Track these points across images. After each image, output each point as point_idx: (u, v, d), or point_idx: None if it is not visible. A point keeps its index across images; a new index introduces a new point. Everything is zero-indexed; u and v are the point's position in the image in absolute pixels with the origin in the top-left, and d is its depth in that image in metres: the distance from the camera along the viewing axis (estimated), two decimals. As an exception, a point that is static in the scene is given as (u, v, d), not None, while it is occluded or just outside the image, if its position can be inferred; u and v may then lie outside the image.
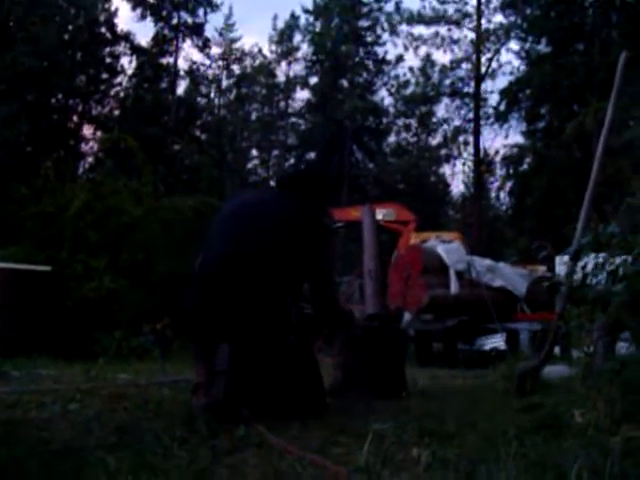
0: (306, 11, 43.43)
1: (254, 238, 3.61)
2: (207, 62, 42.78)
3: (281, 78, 45.73)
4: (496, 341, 11.48)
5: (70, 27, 35.13)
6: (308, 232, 3.71)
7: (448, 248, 10.75)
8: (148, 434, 2.87)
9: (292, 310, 3.59)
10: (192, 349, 3.88)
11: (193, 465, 2.36)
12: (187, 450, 2.60)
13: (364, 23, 42.81)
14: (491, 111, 38.38)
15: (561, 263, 8.82)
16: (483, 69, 38.73)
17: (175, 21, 39.31)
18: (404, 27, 40.99)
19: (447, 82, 40.72)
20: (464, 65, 39.91)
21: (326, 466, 2.31)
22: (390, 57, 43.53)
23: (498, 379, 4.53)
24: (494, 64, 38.81)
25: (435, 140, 43.96)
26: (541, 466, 2.14)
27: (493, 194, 43.86)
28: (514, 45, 44.00)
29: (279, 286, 3.58)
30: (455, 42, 39.52)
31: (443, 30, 39.49)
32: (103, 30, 37.37)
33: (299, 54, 45.04)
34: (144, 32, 38.87)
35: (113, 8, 37.73)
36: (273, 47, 45.58)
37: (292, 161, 43.29)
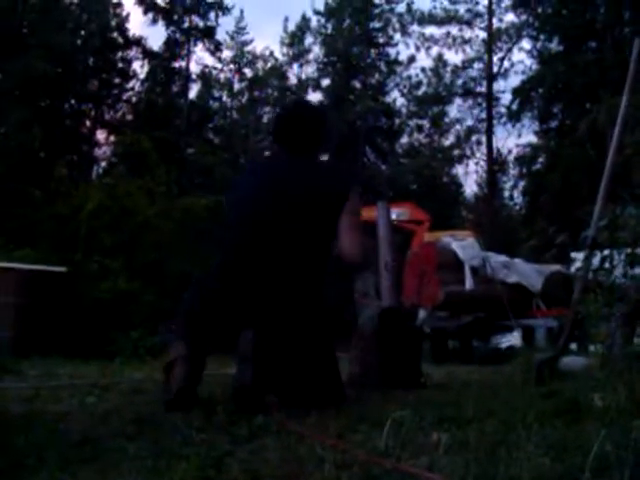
0: (317, 13, 43.45)
1: (291, 219, 3.48)
2: (219, 65, 42.88)
3: (293, 80, 45.77)
4: (512, 339, 11.43)
5: (82, 32, 35.31)
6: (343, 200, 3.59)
7: (463, 244, 10.71)
8: (167, 424, 2.87)
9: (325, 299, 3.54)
10: (176, 325, 3.71)
11: (212, 451, 2.36)
12: (206, 437, 2.60)
13: (376, 24, 42.81)
14: (504, 110, 38.39)
15: (577, 259, 8.79)
16: (495, 68, 38.80)
17: (186, 25, 39.43)
18: (415, 28, 41.15)
19: (459, 82, 40.85)
20: (476, 65, 40.04)
21: (346, 450, 2.31)
22: (402, 58, 43.53)
23: (515, 371, 4.51)
24: (506, 63, 38.90)
25: (448, 140, 43.89)
26: (562, 447, 2.12)
27: (506, 194, 43.80)
28: (526, 44, 43.83)
29: (318, 270, 3.50)
30: (467, 42, 39.64)
31: (454, 30, 39.67)
32: (115, 35, 37.52)
33: (311, 56, 45.03)
34: (156, 36, 39.13)
35: (125, 13, 37.88)
36: (284, 50, 45.61)
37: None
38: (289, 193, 3.55)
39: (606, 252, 3.64)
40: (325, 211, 3.52)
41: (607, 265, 3.56)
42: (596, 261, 3.81)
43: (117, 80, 38.31)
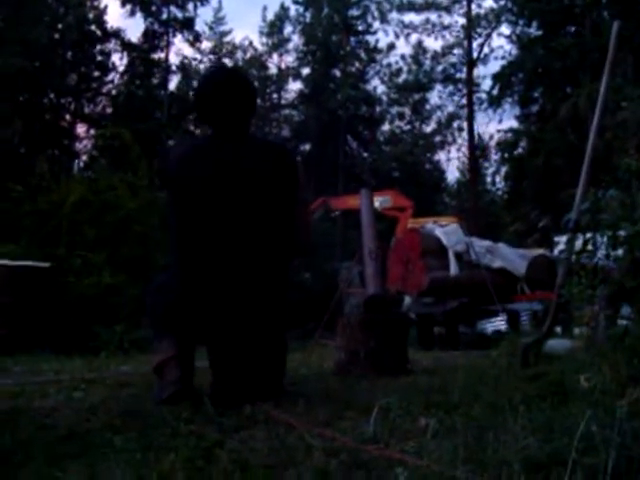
0: (296, 2, 43.35)
1: (238, 208, 3.21)
2: (198, 56, 42.71)
3: (273, 70, 45.73)
4: (497, 323, 11.48)
5: (60, 26, 35.01)
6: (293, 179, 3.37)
7: (446, 230, 10.74)
8: (154, 416, 2.86)
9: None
10: (153, 326, 3.52)
11: (201, 442, 2.36)
12: (194, 429, 2.59)
13: (354, 12, 42.76)
14: (484, 96, 38.42)
15: (560, 242, 8.83)
16: (475, 54, 38.86)
17: (165, 16, 39.18)
18: (394, 15, 41.11)
19: (439, 69, 40.89)
20: (456, 51, 40.07)
21: (334, 437, 2.31)
22: (382, 45, 43.60)
23: (501, 355, 4.52)
24: (486, 49, 38.95)
25: (429, 127, 44.11)
26: (549, 429, 2.13)
27: (489, 179, 43.98)
28: (505, 29, 44.09)
29: (278, 255, 3.32)
30: (446, 28, 39.65)
31: (434, 16, 39.64)
32: (93, 28, 37.24)
33: (290, 45, 45.03)
34: (134, 28, 38.90)
35: (102, 5, 37.57)
36: (264, 39, 45.53)
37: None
38: (232, 182, 3.21)
39: (589, 235, 3.66)
40: (272, 193, 3.25)
41: (590, 247, 3.58)
42: (579, 244, 3.83)
43: (96, 73, 38.05)
